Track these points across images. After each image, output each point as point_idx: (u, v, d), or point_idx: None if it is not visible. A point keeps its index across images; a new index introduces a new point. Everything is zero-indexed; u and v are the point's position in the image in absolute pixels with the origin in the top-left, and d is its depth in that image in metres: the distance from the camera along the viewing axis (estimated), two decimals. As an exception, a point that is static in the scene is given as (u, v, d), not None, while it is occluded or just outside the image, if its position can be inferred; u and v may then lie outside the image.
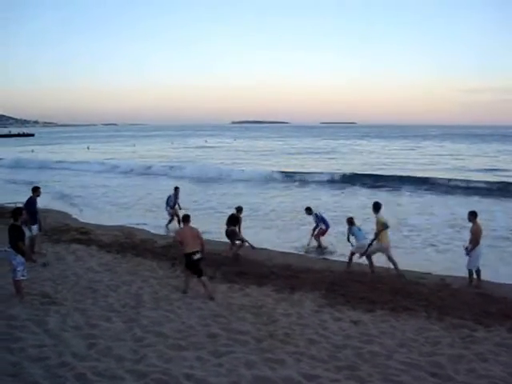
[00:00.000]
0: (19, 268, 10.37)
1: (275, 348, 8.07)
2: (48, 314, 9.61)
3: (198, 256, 10.99)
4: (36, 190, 14.36)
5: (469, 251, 12.07)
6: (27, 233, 13.24)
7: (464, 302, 10.50)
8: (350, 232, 13.72)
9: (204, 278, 11.09)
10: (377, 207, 12.83)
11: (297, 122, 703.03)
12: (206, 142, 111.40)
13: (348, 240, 13.85)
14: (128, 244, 15.54)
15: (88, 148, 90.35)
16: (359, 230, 13.75)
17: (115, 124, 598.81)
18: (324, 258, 14.67)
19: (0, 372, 7.11)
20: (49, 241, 16.00)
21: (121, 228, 18.79)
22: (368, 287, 11.42)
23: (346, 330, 8.97)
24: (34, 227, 13.97)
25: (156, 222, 20.17)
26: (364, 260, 13.02)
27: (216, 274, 12.51)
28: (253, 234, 16.71)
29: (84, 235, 17.22)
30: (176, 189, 19.80)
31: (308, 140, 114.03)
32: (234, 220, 14.82)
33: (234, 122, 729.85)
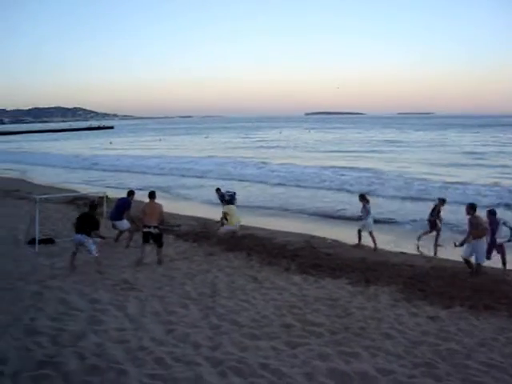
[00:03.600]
0: (93, 247, 11.92)
1: (350, 341, 7.98)
2: (128, 299, 9.99)
3: (151, 230, 12.62)
4: (131, 194, 15.20)
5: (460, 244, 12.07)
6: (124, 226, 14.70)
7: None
8: (366, 209, 15.16)
9: (161, 249, 12.84)
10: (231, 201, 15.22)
11: (373, 113, 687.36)
12: (280, 133, 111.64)
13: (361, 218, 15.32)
14: (204, 234, 15.84)
15: (160, 140, 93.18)
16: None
17: (190, 116, 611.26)
18: (402, 252, 14.38)
19: (86, 351, 7.49)
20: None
21: (197, 218, 19.18)
22: (447, 283, 11.08)
23: (422, 326, 8.74)
24: (124, 222, 14.69)
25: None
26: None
27: (291, 266, 12.54)
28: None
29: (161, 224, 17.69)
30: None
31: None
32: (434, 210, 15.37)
33: (307, 114, 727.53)
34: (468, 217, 12.06)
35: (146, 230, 12.69)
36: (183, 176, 37.32)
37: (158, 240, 12.77)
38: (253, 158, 48.90)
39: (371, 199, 20.07)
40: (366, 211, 15.24)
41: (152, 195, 13.06)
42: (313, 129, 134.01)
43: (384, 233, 17.28)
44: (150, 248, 13.10)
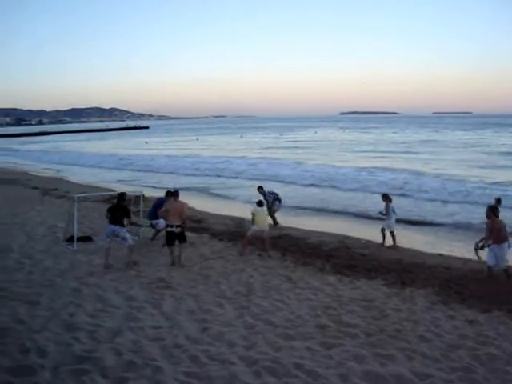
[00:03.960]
0: (127, 235, 12.49)
1: (385, 343, 7.92)
2: (163, 297, 10.13)
3: (174, 229, 12.59)
4: (169, 195, 15.03)
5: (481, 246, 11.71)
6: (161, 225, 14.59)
7: None
8: (389, 208, 15.18)
9: (184, 244, 12.91)
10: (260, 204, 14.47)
11: (408, 113, 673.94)
12: (315, 133, 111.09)
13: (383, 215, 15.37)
14: (239, 233, 15.88)
15: (197, 139, 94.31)
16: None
17: (224, 116, 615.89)
18: (439, 254, 14.14)
19: (123, 348, 7.63)
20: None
21: (232, 217, 19.23)
22: (485, 286, 10.85)
23: (460, 330, 8.57)
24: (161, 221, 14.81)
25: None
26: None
27: (325, 266, 12.49)
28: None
29: (196, 223, 17.85)
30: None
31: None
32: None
33: (342, 113, 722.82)
34: (487, 220, 11.56)
35: (169, 229, 12.72)
36: (218, 176, 37.32)
37: (181, 239, 12.79)
38: (287, 158, 48.83)
39: (407, 200, 19.86)
40: (389, 210, 15.24)
41: (175, 194, 13.03)
42: (347, 128, 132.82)
43: (421, 234, 17.10)
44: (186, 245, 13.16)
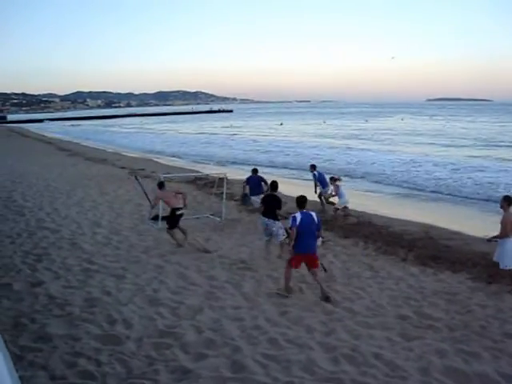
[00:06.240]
0: (279, 232, 11.72)
1: (470, 340, 7.58)
2: (244, 278, 10.28)
3: (183, 211, 12.81)
4: (255, 171, 16.27)
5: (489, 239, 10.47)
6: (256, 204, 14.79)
7: None
8: (340, 189, 16.54)
9: (176, 230, 12.75)
10: None
11: (501, 100, 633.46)
12: (401, 120, 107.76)
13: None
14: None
15: (281, 124, 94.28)
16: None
17: (308, 101, 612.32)
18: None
19: (203, 325, 7.83)
20: (246, 210, 16.93)
21: (312, 203, 19.04)
22: None
23: (553, 332, 8.10)
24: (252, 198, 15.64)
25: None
26: None
27: (408, 256, 12.12)
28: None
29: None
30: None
31: None
32: None
33: (429, 100, 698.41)
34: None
35: (178, 212, 12.69)
36: (303, 161, 36.83)
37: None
38: (375, 144, 48.04)
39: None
40: (340, 191, 16.45)
41: (161, 185, 12.94)
42: (435, 116, 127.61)
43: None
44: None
